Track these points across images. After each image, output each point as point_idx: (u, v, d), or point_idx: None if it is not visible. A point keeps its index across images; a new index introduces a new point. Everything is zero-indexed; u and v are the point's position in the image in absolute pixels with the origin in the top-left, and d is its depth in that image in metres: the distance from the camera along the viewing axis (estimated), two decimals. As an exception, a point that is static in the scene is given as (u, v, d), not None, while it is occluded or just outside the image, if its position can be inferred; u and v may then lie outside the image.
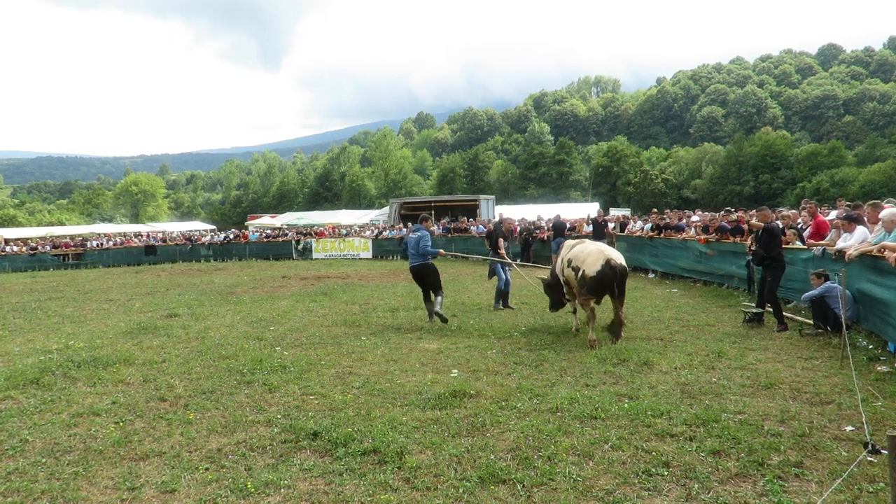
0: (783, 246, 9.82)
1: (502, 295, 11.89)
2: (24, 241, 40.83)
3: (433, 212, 36.10)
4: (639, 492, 3.90)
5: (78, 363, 7.62)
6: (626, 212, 42.61)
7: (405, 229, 31.71)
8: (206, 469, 4.38)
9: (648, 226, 18.69)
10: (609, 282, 8.19)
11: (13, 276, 28.38)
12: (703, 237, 14.47)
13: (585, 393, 5.88)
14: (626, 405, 5.48)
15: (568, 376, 6.60)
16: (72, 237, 42.75)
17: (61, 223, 76.19)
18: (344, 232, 35.65)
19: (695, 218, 18.07)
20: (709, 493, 3.86)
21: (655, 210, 22.08)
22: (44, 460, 4.61)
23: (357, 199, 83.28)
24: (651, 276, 16.84)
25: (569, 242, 9.71)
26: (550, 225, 22.09)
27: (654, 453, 4.42)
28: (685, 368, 6.79)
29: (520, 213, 32.73)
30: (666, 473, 4.13)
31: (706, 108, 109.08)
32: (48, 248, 35.80)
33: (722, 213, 19.15)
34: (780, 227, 10.04)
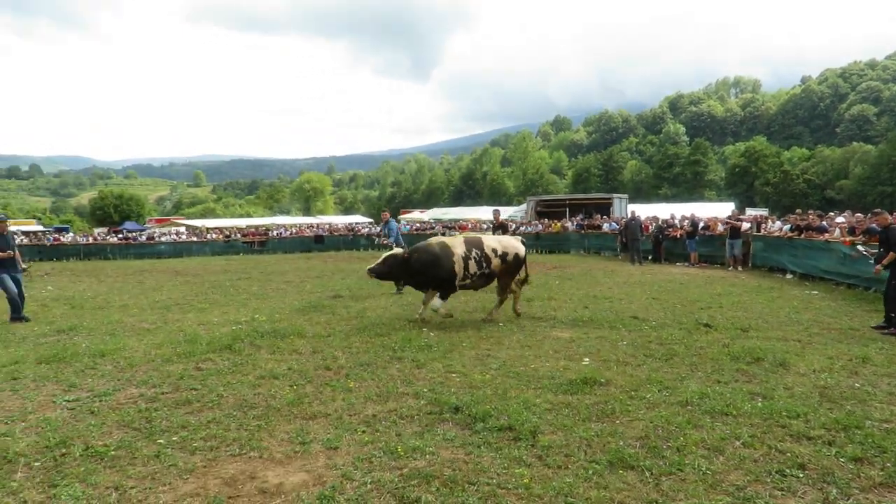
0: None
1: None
2: (221, 229, 45.22)
3: (568, 209, 35.47)
4: (771, 491, 3.62)
5: (261, 333, 8.31)
6: (764, 212, 39.37)
7: (540, 225, 31.43)
8: (363, 431, 4.61)
9: (787, 226, 17.16)
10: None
11: (212, 258, 31.47)
12: (848, 239, 13.04)
13: (716, 389, 5.53)
14: (759, 404, 5.07)
15: (699, 371, 6.23)
16: (257, 227, 46.68)
17: (249, 215, 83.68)
18: (485, 226, 35.95)
19: (839, 219, 16.30)
20: (848, 499, 3.50)
21: (799, 210, 20.15)
22: (234, 413, 5.07)
23: (497, 197, 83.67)
24: (789, 276, 15.44)
25: (458, 240, 9.48)
26: (687, 223, 20.92)
27: (788, 454, 4.07)
28: (825, 371, 6.16)
29: (652, 211, 31.26)
30: (801, 475, 3.79)
31: (856, 106, 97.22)
32: (239, 236, 39.42)
33: (870, 214, 17.16)
34: None
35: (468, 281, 9.27)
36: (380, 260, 9.09)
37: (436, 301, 9.21)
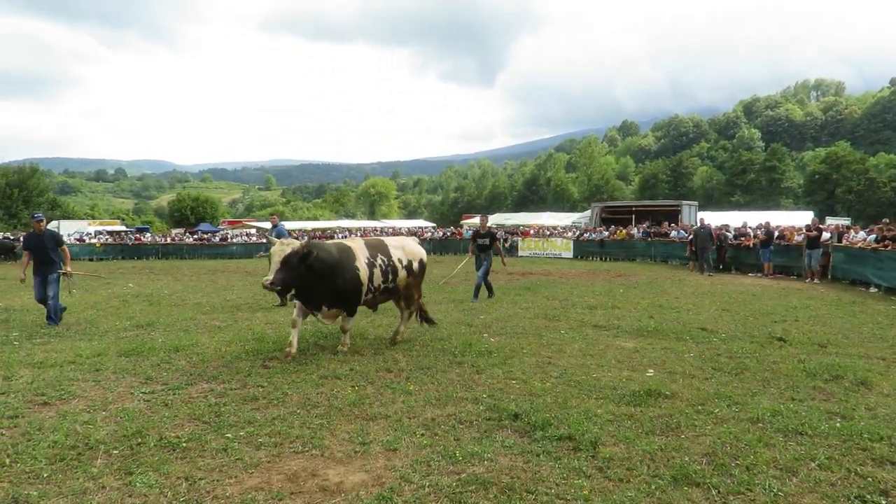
0: None
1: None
2: (289, 232, 46.58)
3: (634, 215, 34.66)
4: (850, 517, 3.41)
5: (325, 334, 8.50)
6: (846, 221, 37.28)
7: (604, 232, 30.85)
8: (422, 435, 4.64)
9: (872, 237, 16.17)
10: None
11: (280, 259, 32.45)
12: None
13: (790, 406, 5.26)
14: (837, 424, 4.79)
15: (771, 387, 5.95)
16: (323, 230, 47.85)
17: (316, 218, 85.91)
18: (548, 232, 35.60)
19: (931, 230, 15.22)
20: (937, 531, 3.25)
21: (886, 220, 18.94)
22: (298, 411, 5.20)
23: (561, 203, 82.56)
24: (873, 290, 14.54)
25: (358, 243, 7.73)
26: (761, 232, 19.99)
27: (869, 479, 3.82)
28: (912, 392, 5.76)
29: (724, 219, 30.13)
30: (884, 502, 3.55)
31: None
32: (306, 238, 40.56)
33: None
34: None
35: (370, 295, 7.60)
36: (275, 265, 6.57)
37: (348, 321, 7.52)
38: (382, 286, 7.65)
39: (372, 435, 4.64)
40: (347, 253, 7.29)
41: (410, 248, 8.24)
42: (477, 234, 13.22)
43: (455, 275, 13.74)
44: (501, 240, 30.48)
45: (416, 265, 8.13)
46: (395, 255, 7.86)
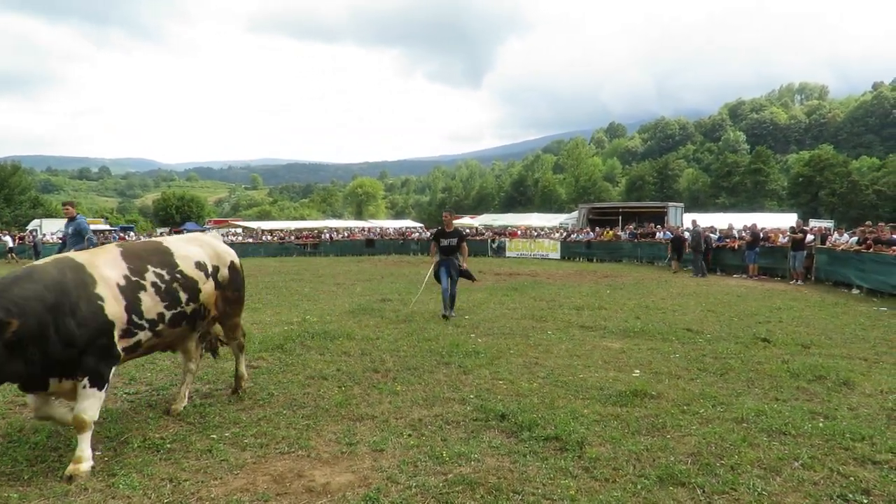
0: None
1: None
2: (275, 231, 46.40)
3: (620, 217, 34.84)
4: (832, 516, 3.45)
5: (312, 334, 8.47)
6: (829, 224, 37.74)
7: (591, 233, 30.98)
8: (409, 435, 4.63)
9: (854, 239, 16.38)
10: None
11: (266, 260, 32.27)
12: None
13: (774, 406, 5.31)
14: (820, 424, 4.85)
15: (756, 388, 6.01)
16: (310, 230, 47.70)
17: (303, 218, 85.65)
18: (535, 233, 35.71)
19: (912, 232, 15.47)
20: (917, 529, 3.30)
21: (868, 222, 19.20)
22: (284, 412, 5.18)
23: (548, 204, 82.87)
24: (855, 291, 14.73)
25: (104, 254, 4.49)
26: (747, 233, 20.17)
27: (851, 478, 3.87)
28: (893, 392, 5.83)
29: (709, 221, 30.37)
30: (865, 501, 3.59)
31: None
32: (293, 238, 40.37)
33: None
34: None
35: (146, 333, 4.46)
36: None
37: (85, 402, 4.02)
38: (170, 313, 4.63)
39: (359, 435, 4.63)
40: (77, 275, 4.10)
41: (213, 249, 5.33)
42: (441, 234, 10.75)
43: (422, 292, 12.12)
44: (491, 240, 30.39)
45: (225, 271, 5.29)
46: (187, 260, 4.94)
